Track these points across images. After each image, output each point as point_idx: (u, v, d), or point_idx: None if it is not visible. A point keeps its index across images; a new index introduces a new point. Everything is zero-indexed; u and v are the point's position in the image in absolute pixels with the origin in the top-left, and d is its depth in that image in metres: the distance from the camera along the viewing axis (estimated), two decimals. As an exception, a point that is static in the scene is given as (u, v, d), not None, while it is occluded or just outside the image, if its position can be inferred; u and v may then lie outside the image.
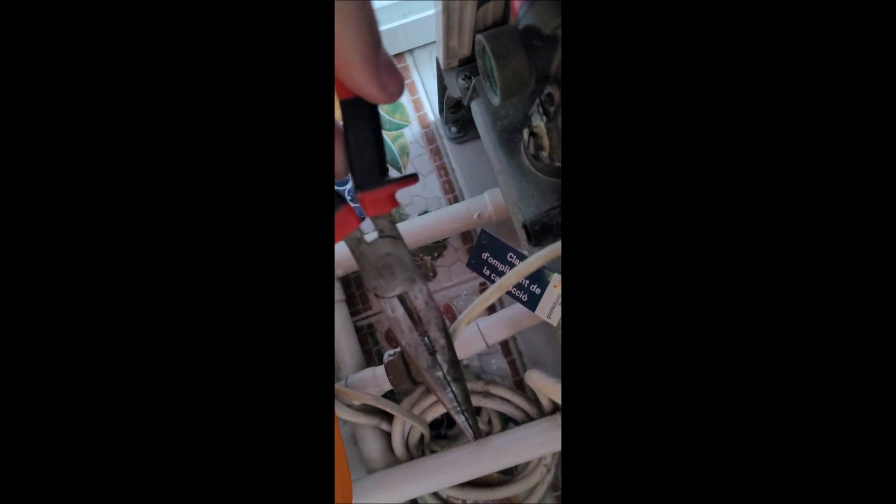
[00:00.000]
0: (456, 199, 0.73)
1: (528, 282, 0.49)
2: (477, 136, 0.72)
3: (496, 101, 0.41)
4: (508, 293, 0.50)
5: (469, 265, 0.52)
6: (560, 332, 0.47)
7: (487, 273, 0.51)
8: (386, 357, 0.62)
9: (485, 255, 0.51)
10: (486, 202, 0.66)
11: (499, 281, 0.37)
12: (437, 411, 0.63)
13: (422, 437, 0.63)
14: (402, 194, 0.74)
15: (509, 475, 0.65)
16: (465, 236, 0.72)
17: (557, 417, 0.60)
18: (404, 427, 0.62)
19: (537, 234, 0.42)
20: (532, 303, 0.48)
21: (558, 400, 0.41)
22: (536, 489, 0.64)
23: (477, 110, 0.50)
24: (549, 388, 0.49)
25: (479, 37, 0.38)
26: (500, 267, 0.50)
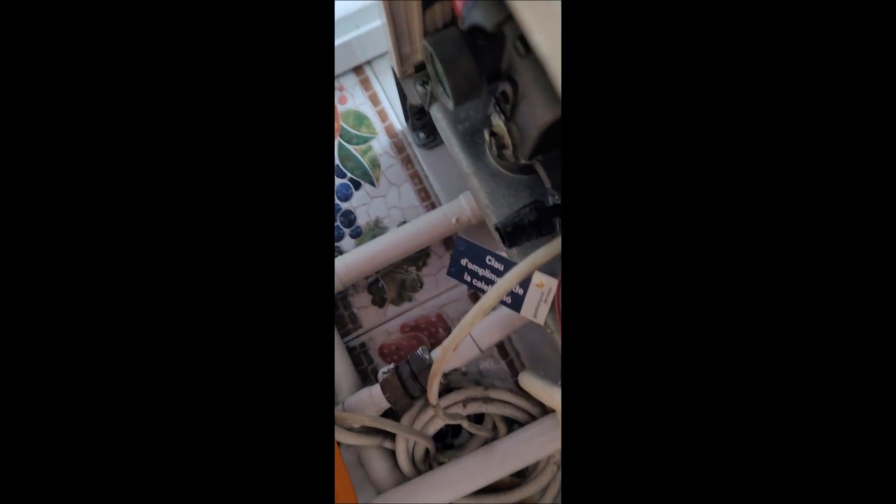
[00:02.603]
0: (433, 207, 0.72)
1: (510, 283, 0.48)
2: (446, 140, 0.72)
3: (450, 105, 0.40)
4: (493, 297, 0.49)
5: (450, 273, 0.51)
6: (550, 332, 0.46)
7: (469, 279, 0.50)
8: (380, 376, 0.61)
9: (464, 262, 0.50)
10: (462, 206, 0.65)
11: (483, 299, 0.36)
12: (440, 423, 0.62)
13: (427, 450, 0.62)
14: (379, 206, 0.73)
15: (521, 477, 0.64)
16: (448, 242, 0.71)
17: (558, 414, 0.59)
18: (408, 444, 0.61)
19: (510, 236, 0.41)
20: (516, 304, 0.47)
21: (551, 404, 0.40)
22: (549, 487, 0.63)
23: (437, 115, 0.49)
24: (540, 391, 0.48)
25: (425, 42, 0.37)
26: (481, 272, 0.49)
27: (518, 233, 0.41)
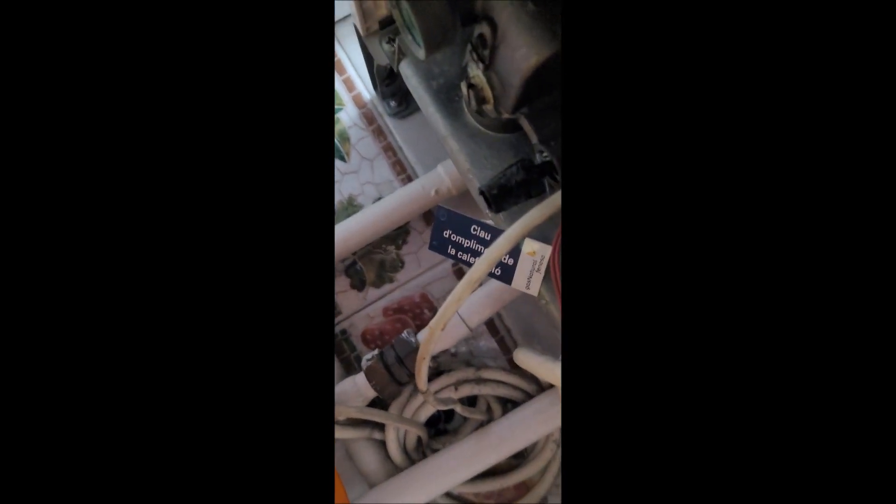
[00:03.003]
0: (410, 180, 0.67)
1: (498, 253, 0.44)
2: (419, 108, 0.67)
3: (422, 54, 0.35)
4: (480, 270, 0.45)
5: (432, 247, 0.46)
6: (545, 303, 0.42)
7: (453, 252, 0.45)
8: (364, 363, 0.57)
9: (446, 233, 0.45)
10: (441, 176, 0.61)
11: (471, 270, 0.32)
12: (431, 409, 0.58)
13: (419, 438, 0.59)
14: (352, 183, 0.68)
15: (519, 458, 0.61)
16: (428, 217, 0.67)
17: (558, 390, 0.56)
18: (399, 433, 0.57)
19: (497, 199, 0.37)
20: (507, 276, 0.43)
21: (551, 380, 0.37)
22: (549, 466, 0.60)
23: (408, 72, 0.45)
24: (538, 367, 0.44)
25: (386, -19, 0.32)
26: (466, 243, 0.45)
27: (505, 195, 0.37)
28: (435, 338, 0.35)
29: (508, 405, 0.60)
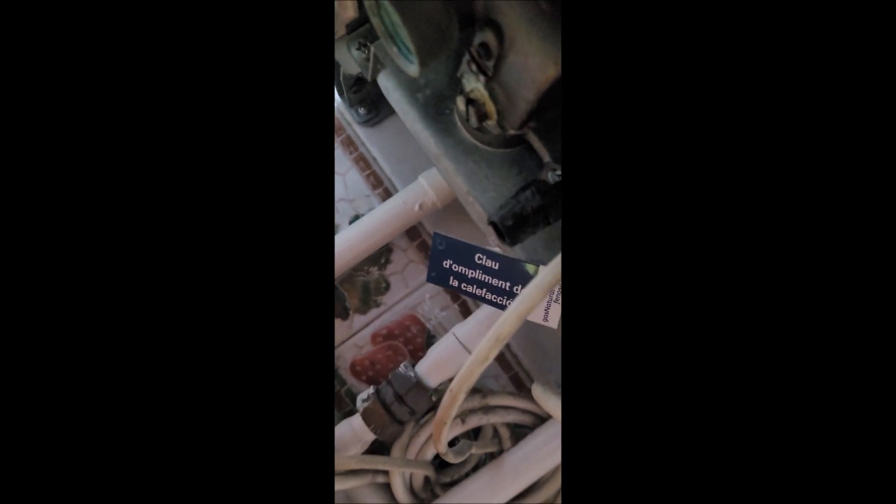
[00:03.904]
0: (387, 193, 0.61)
1: (507, 283, 0.39)
2: (393, 112, 0.60)
3: (414, 70, 0.29)
4: (486, 300, 0.40)
5: (430, 279, 0.41)
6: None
7: (456, 284, 0.40)
8: (360, 404, 0.51)
9: (447, 263, 0.40)
10: (424, 189, 0.55)
11: (498, 326, 0.27)
12: (437, 444, 0.53)
13: (426, 477, 0.54)
14: (324, 202, 0.61)
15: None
16: (412, 232, 0.61)
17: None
18: (404, 474, 0.52)
19: (512, 231, 0.32)
20: (521, 307, 0.38)
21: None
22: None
23: (388, 85, 0.39)
24: (556, 408, 0.40)
25: (367, -17, 0.27)
26: (470, 273, 0.40)
27: (521, 225, 0.32)
28: (458, 403, 0.31)
29: (517, 429, 0.56)
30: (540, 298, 0.27)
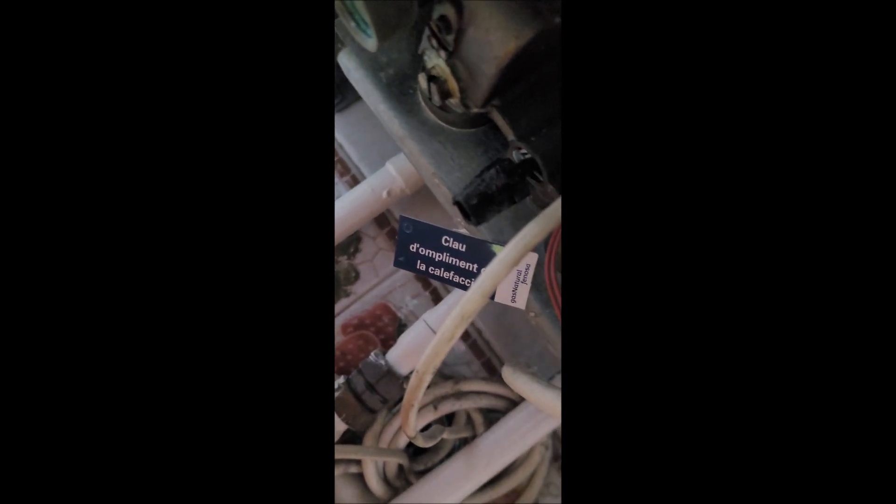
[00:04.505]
0: (355, 181, 0.61)
1: (474, 265, 0.39)
2: (358, 98, 0.59)
3: (371, 44, 0.29)
4: (453, 283, 0.40)
5: (398, 264, 0.41)
6: (533, 315, 0.38)
7: (424, 268, 0.40)
8: (330, 394, 0.51)
9: (414, 247, 0.40)
10: (392, 175, 0.54)
11: (463, 304, 0.27)
12: (409, 432, 0.53)
13: (400, 465, 0.54)
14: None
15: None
16: (381, 220, 0.60)
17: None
18: (377, 463, 0.52)
19: (477, 210, 0.31)
20: (489, 289, 0.38)
21: (549, 412, 0.32)
22: (538, 470, 0.58)
23: (349, 66, 0.38)
24: (532, 394, 0.39)
25: (321, -47, 0.25)
26: (438, 256, 0.39)
27: (486, 204, 0.31)
28: (424, 385, 0.30)
29: (490, 414, 0.56)
30: (504, 274, 0.27)
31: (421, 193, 0.57)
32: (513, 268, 0.27)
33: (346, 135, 0.60)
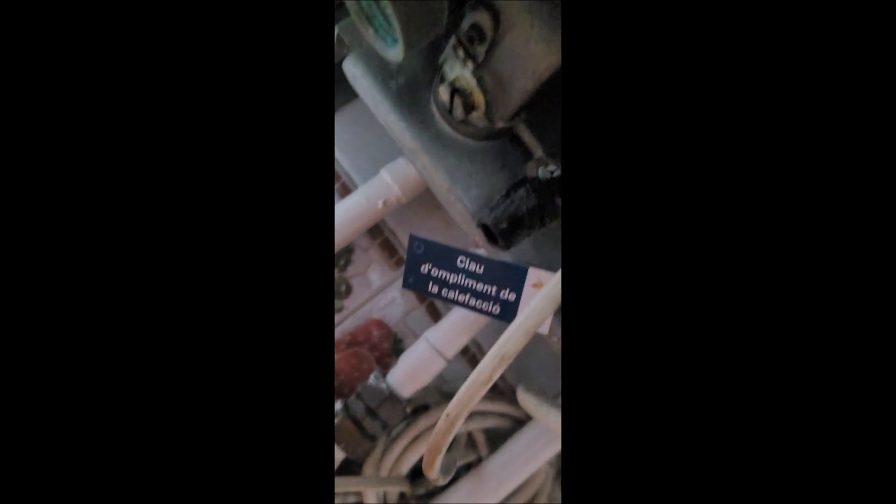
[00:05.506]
0: (345, 188, 0.57)
1: (493, 287, 0.36)
2: (349, 99, 0.56)
3: (395, 53, 0.26)
4: (470, 307, 0.37)
5: (407, 285, 0.38)
6: (556, 340, 0.36)
7: (436, 290, 0.37)
8: (328, 421, 0.47)
9: (425, 268, 0.37)
10: (387, 183, 0.51)
11: (503, 340, 0.24)
12: (413, 457, 0.50)
13: (402, 492, 0.51)
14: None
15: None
16: (374, 230, 0.57)
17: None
18: (378, 493, 0.49)
19: (507, 234, 0.29)
20: (508, 314, 0.36)
21: (550, 428, 0.30)
22: (542, 489, 0.56)
23: (355, 73, 0.34)
24: (544, 416, 0.37)
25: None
26: (452, 278, 0.37)
27: (516, 227, 0.29)
28: (455, 428, 0.28)
29: (491, 434, 0.54)
30: (550, 311, 0.24)
31: (417, 204, 0.54)
32: (557, 302, 0.25)
33: (336, 138, 0.57)
